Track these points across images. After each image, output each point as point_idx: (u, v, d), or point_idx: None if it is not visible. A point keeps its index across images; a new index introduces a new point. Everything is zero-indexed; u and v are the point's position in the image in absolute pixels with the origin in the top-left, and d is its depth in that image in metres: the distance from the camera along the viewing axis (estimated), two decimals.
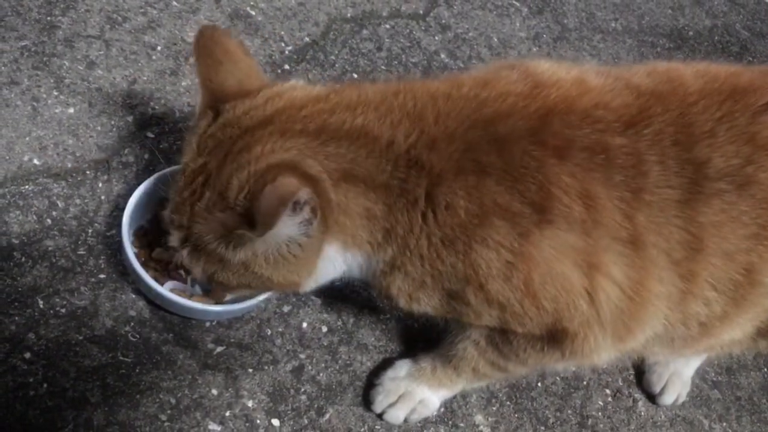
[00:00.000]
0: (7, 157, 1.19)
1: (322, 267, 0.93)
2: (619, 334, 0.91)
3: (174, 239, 0.94)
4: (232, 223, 0.83)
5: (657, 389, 1.29)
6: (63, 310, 1.08)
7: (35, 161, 1.20)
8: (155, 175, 1.15)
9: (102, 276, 1.13)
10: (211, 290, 1.13)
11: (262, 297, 1.11)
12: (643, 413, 1.29)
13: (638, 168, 0.84)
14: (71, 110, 1.28)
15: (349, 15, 1.64)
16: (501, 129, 0.85)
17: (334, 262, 0.93)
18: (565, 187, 0.83)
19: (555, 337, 0.92)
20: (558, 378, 1.26)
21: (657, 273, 0.86)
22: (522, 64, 0.94)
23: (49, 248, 1.12)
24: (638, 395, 1.31)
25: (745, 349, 1.16)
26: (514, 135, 0.85)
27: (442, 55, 1.66)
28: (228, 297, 1.11)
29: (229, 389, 1.09)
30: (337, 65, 1.54)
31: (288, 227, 0.83)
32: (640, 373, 1.32)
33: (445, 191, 0.84)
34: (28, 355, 1.03)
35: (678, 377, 1.29)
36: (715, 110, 0.86)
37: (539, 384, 1.25)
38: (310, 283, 0.96)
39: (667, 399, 1.28)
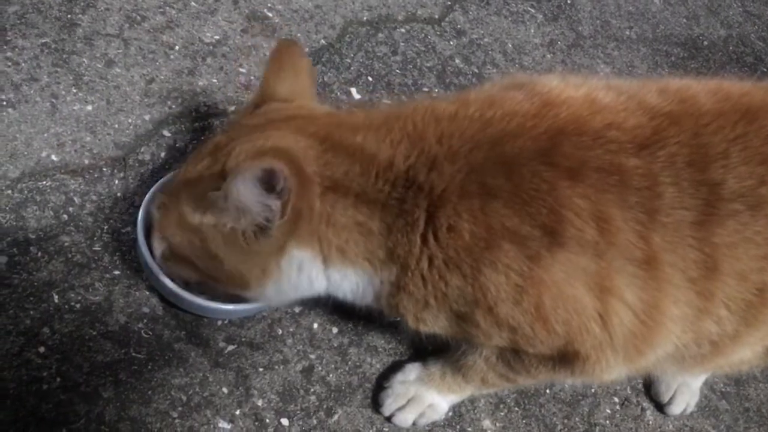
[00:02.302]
0: (26, 153, 1.20)
1: (290, 275, 0.92)
2: (631, 355, 0.90)
3: (157, 200, 0.98)
4: (213, 183, 0.86)
5: (665, 399, 1.28)
6: (77, 306, 1.09)
7: (53, 157, 1.21)
8: (171, 174, 1.16)
9: (116, 272, 1.14)
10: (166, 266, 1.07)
11: None
12: (650, 422, 1.29)
13: (653, 189, 0.83)
14: (89, 107, 1.29)
15: (365, 18, 1.65)
16: (508, 150, 0.85)
17: (310, 275, 0.92)
18: (578, 210, 0.82)
19: (566, 358, 0.91)
20: (566, 385, 1.26)
21: (673, 293, 0.85)
22: (530, 82, 0.94)
23: (65, 244, 1.14)
24: (646, 404, 1.30)
25: (754, 367, 1.15)
26: (523, 156, 0.84)
27: (457, 60, 1.66)
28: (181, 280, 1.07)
29: (240, 388, 1.10)
30: (352, 68, 1.55)
31: (249, 194, 0.83)
32: (649, 383, 1.32)
33: (448, 213, 0.84)
34: (42, 349, 1.04)
35: (686, 387, 1.28)
36: (728, 131, 0.86)
37: (547, 391, 1.25)
38: (271, 290, 0.95)
39: (676, 409, 1.28)
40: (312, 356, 1.17)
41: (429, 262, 0.86)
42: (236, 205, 0.86)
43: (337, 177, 0.86)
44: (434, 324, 0.94)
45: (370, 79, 1.55)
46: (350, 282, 0.93)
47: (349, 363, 1.18)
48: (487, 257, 0.83)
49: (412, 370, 1.15)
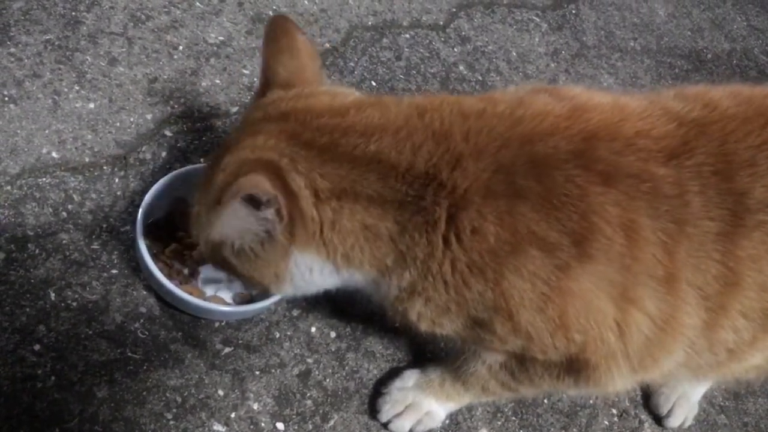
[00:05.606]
0: (26, 149, 1.20)
1: (304, 275, 0.90)
2: (645, 364, 0.88)
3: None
4: (211, 199, 0.86)
5: (664, 411, 1.28)
6: (74, 304, 1.08)
7: (53, 154, 1.21)
8: (171, 174, 1.15)
9: (114, 271, 1.13)
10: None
11: (271, 300, 1.12)
12: None
13: (681, 199, 0.80)
14: (91, 105, 1.28)
15: (370, 23, 1.65)
16: (540, 149, 0.81)
17: (323, 274, 0.90)
18: (609, 218, 0.79)
19: (574, 367, 0.89)
20: (565, 396, 1.26)
21: (686, 308, 0.83)
22: (553, 88, 0.91)
23: (64, 241, 1.13)
24: (644, 416, 1.30)
25: (763, 373, 1.13)
26: (556, 158, 0.80)
27: (461, 67, 1.66)
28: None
29: (236, 391, 1.09)
30: (356, 72, 1.54)
31: (243, 219, 0.83)
32: (647, 395, 1.31)
33: (473, 215, 0.79)
34: (37, 347, 1.04)
35: (685, 400, 1.28)
36: (755, 137, 0.83)
37: (546, 401, 1.24)
38: (287, 288, 0.94)
39: (674, 422, 1.27)
40: (309, 360, 1.16)
41: (452, 266, 0.82)
42: (235, 230, 0.85)
43: (345, 186, 0.82)
44: (450, 328, 0.90)
45: (373, 83, 1.54)
46: (357, 281, 0.91)
47: (347, 368, 1.17)
48: (512, 262, 0.80)
49: (411, 377, 1.14)
